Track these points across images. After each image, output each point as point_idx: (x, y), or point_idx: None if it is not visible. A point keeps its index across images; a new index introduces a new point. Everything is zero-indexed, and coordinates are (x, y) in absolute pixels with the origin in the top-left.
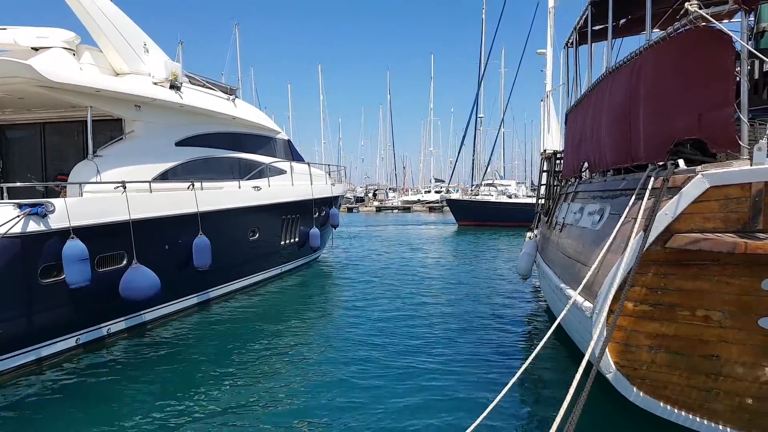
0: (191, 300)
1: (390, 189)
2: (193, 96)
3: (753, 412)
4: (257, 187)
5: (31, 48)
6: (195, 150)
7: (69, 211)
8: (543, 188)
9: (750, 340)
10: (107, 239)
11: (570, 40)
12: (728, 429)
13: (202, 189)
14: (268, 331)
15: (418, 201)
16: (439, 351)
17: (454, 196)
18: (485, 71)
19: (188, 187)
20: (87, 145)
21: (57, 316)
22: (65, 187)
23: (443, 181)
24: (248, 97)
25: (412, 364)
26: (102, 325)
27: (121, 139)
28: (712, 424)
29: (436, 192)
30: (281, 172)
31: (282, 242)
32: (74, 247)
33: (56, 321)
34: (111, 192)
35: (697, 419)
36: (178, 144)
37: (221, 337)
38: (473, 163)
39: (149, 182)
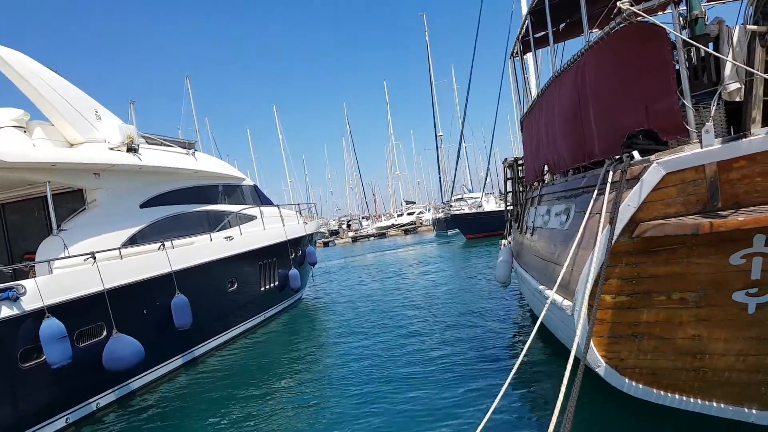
0: (177, 361)
1: (363, 218)
2: (152, 156)
3: (742, 384)
4: (229, 237)
5: None
6: (161, 209)
7: (41, 290)
8: (510, 195)
9: (727, 316)
10: (84, 313)
11: (514, 50)
12: (722, 405)
13: (173, 247)
14: (260, 379)
15: (392, 225)
16: (433, 366)
17: (456, 212)
18: (435, 89)
19: (159, 248)
20: (50, 221)
21: (43, 398)
22: (33, 266)
23: (414, 203)
24: (207, 147)
25: (408, 381)
26: (90, 400)
27: (84, 209)
28: (706, 403)
29: (408, 214)
30: (251, 218)
31: (262, 288)
32: (51, 326)
33: (43, 404)
34: (81, 264)
35: (691, 400)
36: (143, 206)
37: (212, 393)
38: (440, 181)
39: (119, 249)
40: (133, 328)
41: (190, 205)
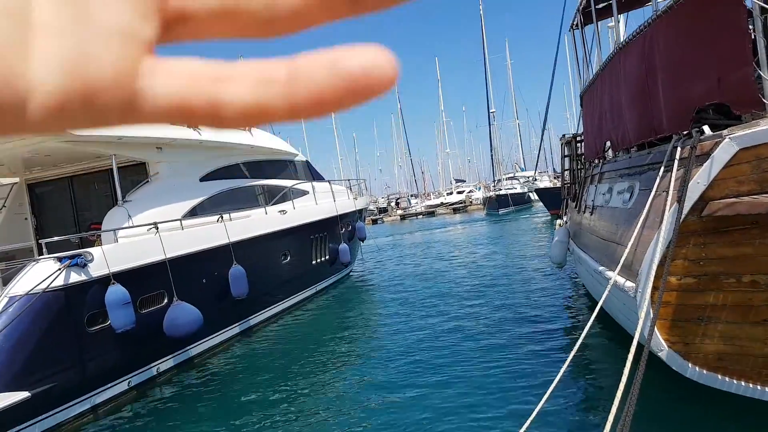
0: (233, 330)
1: (412, 196)
2: (211, 131)
3: None
4: (283, 210)
5: None
6: (219, 183)
7: (107, 258)
8: (567, 173)
9: None
10: (146, 281)
11: (575, 22)
12: None
13: (231, 220)
14: (311, 351)
15: (441, 204)
16: (484, 350)
17: (542, 185)
18: (489, 65)
19: (217, 220)
20: (115, 192)
21: (107, 361)
22: (100, 235)
23: (464, 181)
24: None
25: (459, 365)
26: (151, 365)
27: (147, 182)
28: None
29: (458, 192)
30: (304, 193)
31: (313, 261)
32: (116, 292)
33: (107, 367)
34: (144, 234)
35: (758, 387)
36: (203, 179)
37: (266, 362)
38: (492, 159)
39: (180, 220)
40: (193, 296)
41: (246, 179)
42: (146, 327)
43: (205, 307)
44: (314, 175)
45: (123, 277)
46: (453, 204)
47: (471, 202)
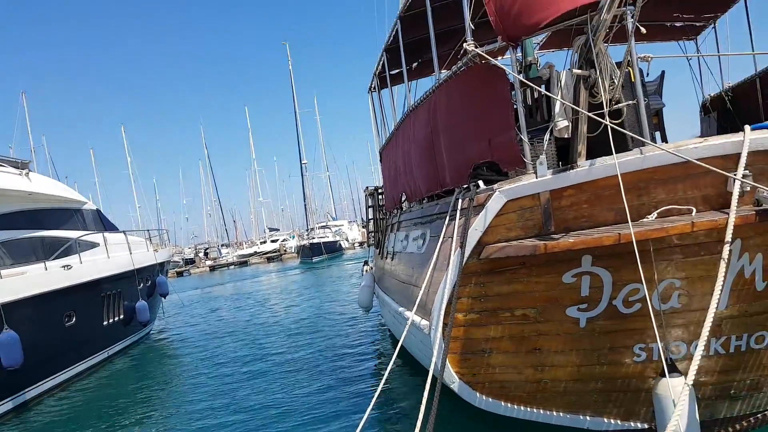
0: (6, 405)
1: (222, 245)
2: None
3: (576, 393)
4: (67, 265)
5: None
6: None
7: None
8: (371, 223)
9: (562, 329)
10: None
11: (372, 85)
12: (560, 414)
13: (1, 277)
14: (99, 423)
15: (255, 253)
16: (296, 392)
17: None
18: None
19: None
20: None
21: None
22: None
23: (278, 230)
24: (44, 168)
25: (270, 410)
26: None
27: None
28: (547, 412)
29: (272, 241)
30: (93, 245)
31: (105, 322)
32: None
33: None
34: None
35: (534, 410)
36: None
37: None
38: (306, 208)
39: None
40: None
41: (22, 230)
42: None
43: None
44: (106, 225)
45: None
46: (267, 253)
47: (285, 250)
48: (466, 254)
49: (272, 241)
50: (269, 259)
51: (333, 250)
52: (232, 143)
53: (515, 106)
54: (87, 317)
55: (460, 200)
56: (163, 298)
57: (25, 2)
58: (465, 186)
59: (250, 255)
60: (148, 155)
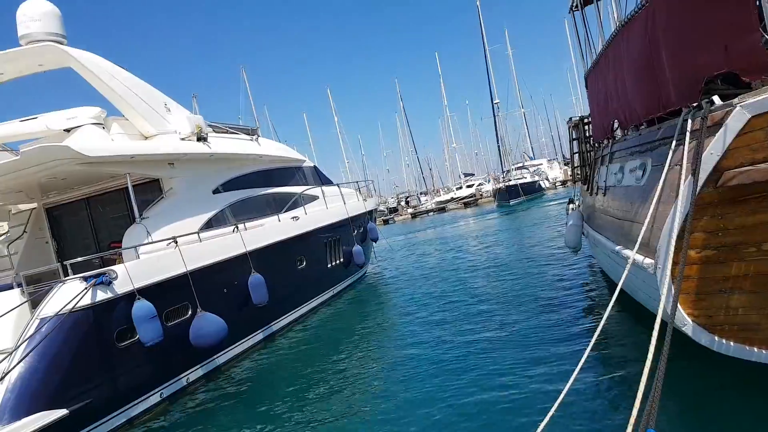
0: (257, 336)
1: (421, 193)
2: (220, 143)
3: None
4: (295, 217)
5: (63, 130)
6: (231, 194)
7: (130, 274)
8: (576, 157)
9: None
10: (170, 294)
11: (574, 3)
12: None
13: (246, 229)
14: (333, 355)
15: (452, 199)
16: (505, 340)
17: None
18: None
19: (233, 230)
20: (132, 210)
21: (138, 375)
22: (121, 253)
23: (473, 175)
24: (267, 133)
25: (480, 356)
26: (181, 376)
27: (162, 197)
28: None
29: (467, 186)
30: (314, 198)
31: (329, 265)
32: (142, 307)
33: (139, 380)
34: (164, 249)
35: None
36: (215, 191)
37: (291, 367)
38: (499, 150)
39: (197, 233)
40: (215, 306)
41: (257, 188)
42: (173, 339)
43: (228, 316)
44: (323, 180)
45: (147, 292)
46: (463, 198)
47: (481, 195)
48: (700, 183)
49: (468, 187)
50: (466, 204)
51: (532, 191)
52: (425, 92)
53: (759, 2)
54: (314, 261)
55: (689, 121)
56: (374, 243)
57: None
58: (695, 104)
59: (447, 201)
60: (351, 114)
